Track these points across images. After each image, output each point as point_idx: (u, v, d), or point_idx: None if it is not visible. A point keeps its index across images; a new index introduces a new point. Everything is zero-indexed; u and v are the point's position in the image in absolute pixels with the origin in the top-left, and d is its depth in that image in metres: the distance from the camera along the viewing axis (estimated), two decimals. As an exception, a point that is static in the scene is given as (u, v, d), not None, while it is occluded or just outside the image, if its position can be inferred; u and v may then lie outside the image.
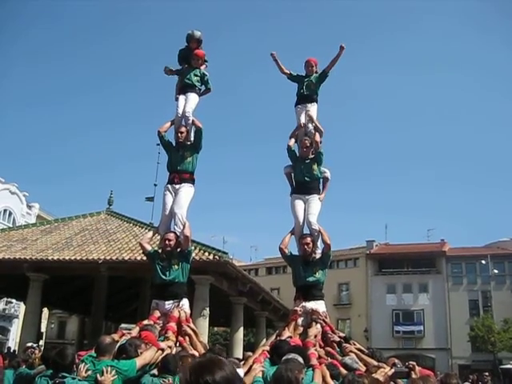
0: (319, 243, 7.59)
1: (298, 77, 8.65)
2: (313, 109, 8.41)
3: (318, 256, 7.46)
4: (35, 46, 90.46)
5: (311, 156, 7.99)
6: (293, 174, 8.08)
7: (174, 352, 5.61)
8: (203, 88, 8.53)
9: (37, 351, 8.94)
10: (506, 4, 67.40)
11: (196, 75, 8.37)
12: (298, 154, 8.12)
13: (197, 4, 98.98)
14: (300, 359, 4.75)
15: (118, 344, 5.10)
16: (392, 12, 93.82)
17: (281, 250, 7.54)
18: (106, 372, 4.35)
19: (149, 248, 7.46)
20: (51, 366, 4.66)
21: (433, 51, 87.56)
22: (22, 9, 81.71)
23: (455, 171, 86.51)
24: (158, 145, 8.57)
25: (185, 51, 8.63)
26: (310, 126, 8.24)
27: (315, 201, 7.79)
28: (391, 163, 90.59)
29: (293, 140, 8.26)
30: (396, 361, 5.26)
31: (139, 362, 4.71)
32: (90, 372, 4.37)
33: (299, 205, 7.79)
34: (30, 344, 10.23)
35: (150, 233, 8.11)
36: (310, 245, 7.32)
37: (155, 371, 4.87)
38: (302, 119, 8.30)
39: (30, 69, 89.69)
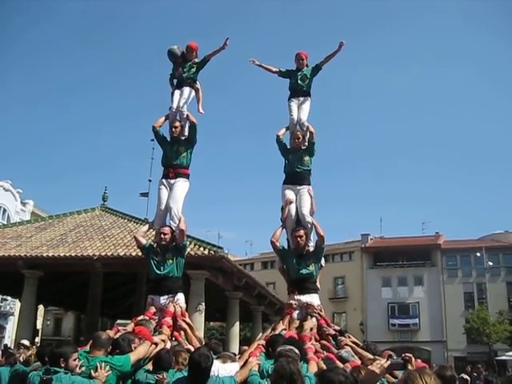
0: (312, 236, 7.57)
1: (288, 72, 8.58)
2: (306, 103, 8.39)
3: (311, 249, 7.44)
4: (30, 47, 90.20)
5: (303, 147, 7.98)
6: (284, 166, 8.06)
7: (168, 346, 5.61)
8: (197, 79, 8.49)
9: (22, 349, 8.93)
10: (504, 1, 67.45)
11: (192, 67, 8.35)
12: (288, 146, 8.11)
13: (195, 2, 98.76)
14: (296, 351, 4.75)
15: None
16: (389, 8, 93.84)
17: (272, 243, 7.47)
18: (100, 368, 4.33)
19: (144, 242, 7.44)
20: (48, 358, 4.62)
21: (431, 46, 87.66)
22: (22, 9, 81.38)
23: (449, 164, 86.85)
24: (152, 140, 8.57)
25: (174, 66, 8.57)
26: (303, 118, 8.20)
27: (307, 192, 7.78)
28: (385, 156, 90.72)
29: (283, 130, 8.23)
30: (391, 353, 5.27)
31: (133, 356, 4.69)
32: (83, 368, 4.35)
33: (291, 197, 7.77)
34: (22, 341, 10.28)
35: (146, 226, 8.09)
36: (303, 237, 7.26)
37: (150, 365, 4.86)
38: (295, 113, 8.28)
39: (26, 69, 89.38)
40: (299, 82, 8.40)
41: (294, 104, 8.36)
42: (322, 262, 7.72)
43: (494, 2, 71.69)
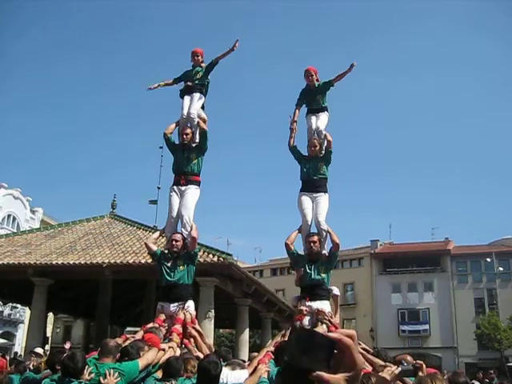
0: (327, 243, 7.55)
1: (302, 96, 8.47)
2: (323, 114, 8.32)
3: (324, 256, 7.42)
4: (37, 49, 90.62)
5: (320, 155, 7.94)
6: (300, 174, 8.02)
7: (177, 353, 5.59)
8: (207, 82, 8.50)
9: (33, 357, 8.94)
10: (505, 3, 67.23)
11: (198, 72, 8.37)
12: (303, 153, 8.05)
13: (200, 4, 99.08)
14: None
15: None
16: (391, 13, 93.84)
17: (286, 245, 7.47)
18: (109, 374, 4.34)
19: (154, 248, 7.44)
20: (61, 370, 4.59)
21: (432, 52, 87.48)
22: (22, 9, 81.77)
23: (458, 169, 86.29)
24: (161, 147, 8.62)
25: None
26: (321, 126, 8.17)
27: (323, 200, 7.75)
28: (395, 163, 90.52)
29: (292, 139, 8.20)
30: (409, 358, 5.14)
31: (142, 362, 4.69)
32: (93, 375, 4.35)
33: (307, 203, 7.74)
34: (35, 349, 10.24)
35: (157, 233, 8.11)
36: (317, 243, 7.25)
37: (159, 373, 4.85)
38: (313, 122, 8.22)
39: (32, 72, 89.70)
40: (314, 103, 8.33)
41: (311, 119, 8.31)
42: (336, 291, 7.54)
43: (498, 6, 71.39)
